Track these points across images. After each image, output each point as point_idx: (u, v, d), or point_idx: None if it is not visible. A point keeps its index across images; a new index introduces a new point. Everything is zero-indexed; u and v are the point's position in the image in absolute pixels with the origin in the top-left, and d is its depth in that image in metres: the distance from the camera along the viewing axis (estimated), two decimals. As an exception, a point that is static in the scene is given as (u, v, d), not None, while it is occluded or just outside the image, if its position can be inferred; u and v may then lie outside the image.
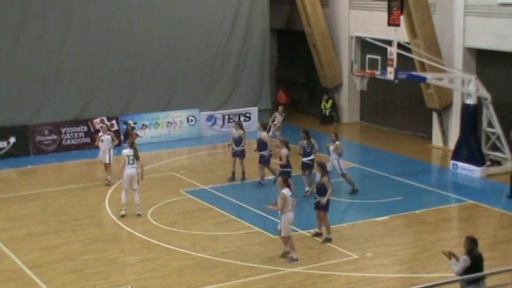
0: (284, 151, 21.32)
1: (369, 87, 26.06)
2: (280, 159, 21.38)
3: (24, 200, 22.71)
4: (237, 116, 31.24)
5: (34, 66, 28.14)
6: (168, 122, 30.39)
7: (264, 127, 23.91)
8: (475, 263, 13.04)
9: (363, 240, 18.88)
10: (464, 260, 13.01)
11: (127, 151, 20.65)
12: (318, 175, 18.85)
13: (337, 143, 22.34)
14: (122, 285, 16.28)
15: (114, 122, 29.25)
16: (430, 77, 25.24)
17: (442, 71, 25.67)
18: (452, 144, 26.53)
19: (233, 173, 24.19)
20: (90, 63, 29.06)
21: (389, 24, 24.35)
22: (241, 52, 32.09)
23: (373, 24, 29.12)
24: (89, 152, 27.56)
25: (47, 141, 28.38)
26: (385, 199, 22.23)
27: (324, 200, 18.44)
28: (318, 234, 19.02)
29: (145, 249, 18.54)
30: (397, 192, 22.82)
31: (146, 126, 29.94)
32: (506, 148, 24.73)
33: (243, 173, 24.11)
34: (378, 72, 24.41)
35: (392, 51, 23.90)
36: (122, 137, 28.39)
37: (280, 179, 18.04)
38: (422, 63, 26.43)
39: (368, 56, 25.14)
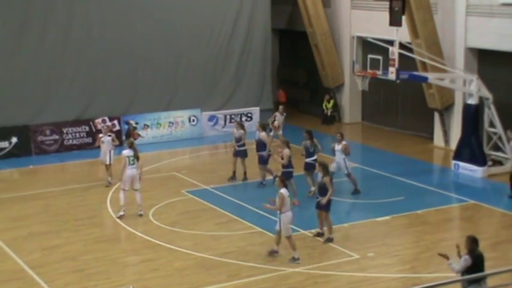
0: (286, 151, 21.32)
1: (371, 87, 26.04)
2: (282, 159, 21.37)
3: (26, 200, 22.73)
4: (239, 116, 31.23)
5: (36, 66, 28.16)
6: (170, 122, 30.40)
7: (263, 127, 23.87)
8: (476, 262, 13.05)
9: (365, 240, 18.88)
10: (465, 260, 13.02)
11: (127, 152, 20.63)
12: (319, 175, 18.86)
13: (344, 142, 22.35)
14: (123, 285, 16.30)
15: (115, 122, 29.26)
16: (431, 77, 25.23)
17: (444, 71, 25.66)
18: (453, 144, 26.53)
19: (234, 173, 24.19)
20: (91, 63, 29.09)
21: (390, 24, 24.35)
22: (243, 52, 32.11)
23: (375, 24, 29.13)
24: (90, 152, 27.55)
25: (48, 141, 28.40)
26: (387, 199, 22.23)
27: (323, 200, 18.45)
28: (319, 234, 19.03)
29: (147, 249, 18.55)
30: (399, 192, 22.82)
31: (148, 126, 29.95)
32: (507, 148, 24.71)
33: (245, 173, 24.11)
34: (379, 72, 24.40)
35: (394, 51, 23.90)
36: (124, 137, 28.40)
37: (278, 178, 18.03)
38: (423, 63, 26.42)
39: (370, 56, 25.12)
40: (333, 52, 32.82)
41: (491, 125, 24.93)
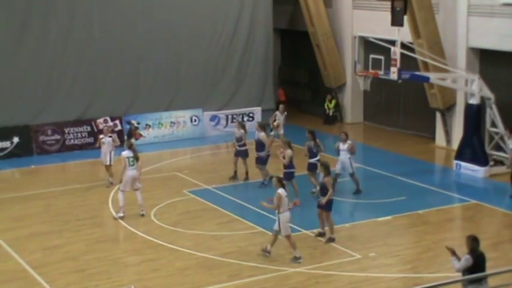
0: (289, 152, 21.29)
1: (372, 87, 26.02)
2: (284, 158, 21.34)
3: (27, 200, 22.73)
4: (241, 116, 31.22)
5: (37, 66, 28.17)
6: (172, 122, 30.40)
7: (263, 127, 23.81)
8: (477, 262, 13.04)
9: (366, 240, 18.87)
10: (466, 260, 13.00)
11: (126, 153, 20.62)
12: (321, 175, 18.86)
13: (349, 142, 22.36)
14: (124, 285, 16.29)
15: (117, 122, 29.27)
16: (433, 76, 25.22)
17: (446, 71, 25.65)
18: (455, 144, 26.53)
19: (235, 172, 24.19)
20: (93, 63, 29.09)
21: (392, 24, 24.34)
22: (244, 52, 32.11)
23: (377, 24, 29.10)
24: (92, 152, 27.53)
25: (50, 141, 28.41)
26: (388, 199, 22.22)
27: (323, 201, 18.46)
28: (321, 234, 19.03)
29: (148, 249, 18.55)
30: (400, 192, 22.81)
31: (149, 126, 29.96)
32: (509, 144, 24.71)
33: (246, 173, 24.09)
34: (381, 72, 24.39)
35: (396, 51, 23.90)
36: (126, 137, 28.38)
37: (275, 178, 18.07)
38: (425, 63, 26.41)
39: (371, 56, 25.10)
40: (335, 52, 32.81)
41: (493, 125, 24.90)
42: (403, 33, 24.79)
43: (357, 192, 22.64)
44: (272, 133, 26.85)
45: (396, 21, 24.24)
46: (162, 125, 30.20)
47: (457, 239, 18.39)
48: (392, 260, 17.80)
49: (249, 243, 18.72)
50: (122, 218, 20.62)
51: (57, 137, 28.48)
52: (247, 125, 26.86)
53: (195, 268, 17.33)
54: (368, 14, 31.14)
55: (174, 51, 30.52)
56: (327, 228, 18.90)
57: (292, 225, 18.72)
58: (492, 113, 24.76)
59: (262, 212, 20.38)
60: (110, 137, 23.96)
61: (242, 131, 23.96)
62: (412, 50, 25.84)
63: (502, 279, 13.28)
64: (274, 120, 27.13)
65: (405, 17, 24.60)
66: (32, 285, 16.61)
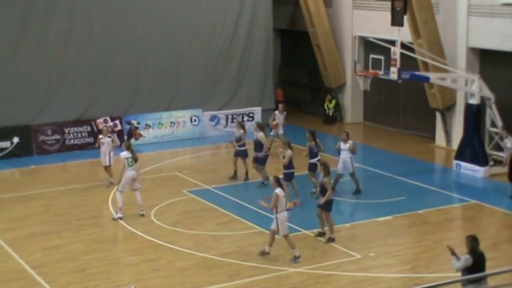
0: (289, 152, 21.27)
1: (372, 87, 26.04)
2: (284, 158, 21.33)
3: (27, 200, 22.73)
4: (241, 116, 31.20)
5: (37, 66, 28.16)
6: (171, 122, 30.40)
7: (261, 127, 23.79)
8: (477, 261, 13.04)
9: (366, 240, 18.88)
10: (466, 259, 13.00)
11: (125, 154, 20.63)
12: (321, 175, 18.87)
13: (351, 141, 22.37)
14: (124, 285, 16.28)
15: (117, 122, 29.27)
16: (433, 76, 25.22)
17: (445, 70, 25.65)
18: (455, 144, 26.53)
19: (235, 172, 24.20)
20: (93, 63, 29.09)
21: (392, 24, 24.34)
22: (244, 52, 32.10)
23: (377, 24, 29.12)
24: (92, 152, 27.51)
25: (50, 141, 28.41)
26: (388, 199, 22.22)
27: (321, 201, 18.47)
28: (321, 234, 19.02)
29: (148, 249, 18.55)
30: (400, 192, 22.81)
31: (149, 126, 29.95)
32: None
33: (246, 173, 24.09)
34: (381, 72, 24.39)
35: (396, 51, 23.90)
36: (126, 137, 28.41)
37: (272, 178, 18.05)
38: (425, 63, 26.41)
39: (371, 56, 25.11)
40: (335, 52, 32.81)
41: (493, 124, 24.91)
42: (403, 33, 24.79)
43: (357, 192, 22.64)
44: (272, 133, 26.85)
45: (396, 21, 24.24)
46: (162, 125, 30.19)
47: (457, 239, 18.37)
48: (392, 260, 17.80)
49: (249, 243, 18.72)
50: (121, 218, 20.61)
51: (57, 137, 28.48)
52: (247, 125, 26.83)
53: (195, 268, 17.33)
54: (368, 14, 31.14)
55: (174, 51, 30.51)
56: (326, 228, 18.90)
57: (292, 225, 18.75)
58: (492, 113, 24.76)
59: (262, 212, 20.36)
60: (109, 137, 23.93)
61: (241, 131, 23.95)
62: (412, 50, 25.84)
63: (502, 279, 13.29)
64: (274, 119, 27.16)
65: (405, 17, 24.59)
66: (32, 285, 16.61)
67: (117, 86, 29.58)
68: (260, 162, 23.34)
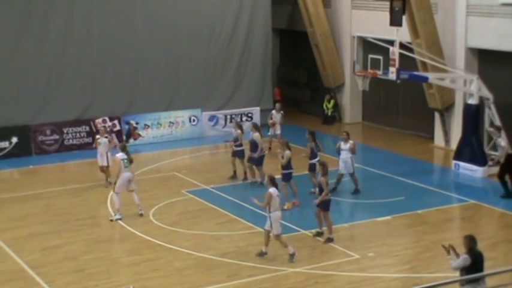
0: (287, 153, 21.27)
1: (371, 87, 26.02)
2: (282, 158, 21.32)
3: (26, 200, 22.73)
4: (239, 116, 31.21)
5: (36, 66, 28.15)
6: (170, 122, 30.39)
7: (257, 128, 23.78)
8: (476, 261, 13.05)
9: (365, 240, 18.88)
10: (464, 259, 13.01)
11: (120, 155, 20.65)
12: (319, 175, 18.88)
13: (351, 141, 22.37)
14: (123, 285, 16.30)
15: (116, 122, 29.26)
16: (432, 76, 25.23)
17: (444, 71, 25.66)
18: (454, 144, 26.53)
19: (234, 172, 24.20)
20: (92, 63, 29.08)
21: (391, 24, 24.35)
22: (243, 52, 32.10)
23: (375, 24, 29.12)
24: (90, 152, 27.39)
25: (49, 141, 28.40)
26: (387, 199, 22.23)
27: (317, 201, 18.49)
28: (319, 234, 19.02)
29: (147, 249, 18.55)
30: (399, 192, 22.82)
31: (148, 126, 29.94)
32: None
33: (245, 173, 24.08)
34: (380, 72, 24.39)
35: (395, 51, 23.90)
36: (124, 137, 28.39)
37: (267, 177, 18.04)
38: (424, 63, 26.41)
39: (370, 56, 25.10)
40: (334, 52, 32.81)
41: (492, 125, 24.91)
42: (402, 33, 24.78)
43: (356, 192, 22.65)
44: (269, 133, 26.86)
45: (395, 21, 24.24)
46: (160, 125, 30.19)
47: (456, 239, 18.31)
48: (391, 260, 17.80)
49: (247, 243, 18.72)
50: (119, 220, 20.60)
51: (56, 137, 28.47)
52: (246, 125, 26.83)
53: (193, 268, 17.34)
54: (367, 14, 31.15)
55: (173, 52, 30.50)
56: (325, 228, 18.90)
57: (291, 225, 18.78)
58: (491, 113, 24.75)
59: (261, 212, 20.31)
60: (106, 137, 23.90)
61: (239, 131, 23.95)
62: (410, 50, 25.84)
63: (501, 279, 13.31)
64: (271, 118, 27.19)
65: (404, 17, 24.59)
66: (31, 285, 16.61)
67: (116, 86, 29.58)
68: (256, 162, 23.34)
